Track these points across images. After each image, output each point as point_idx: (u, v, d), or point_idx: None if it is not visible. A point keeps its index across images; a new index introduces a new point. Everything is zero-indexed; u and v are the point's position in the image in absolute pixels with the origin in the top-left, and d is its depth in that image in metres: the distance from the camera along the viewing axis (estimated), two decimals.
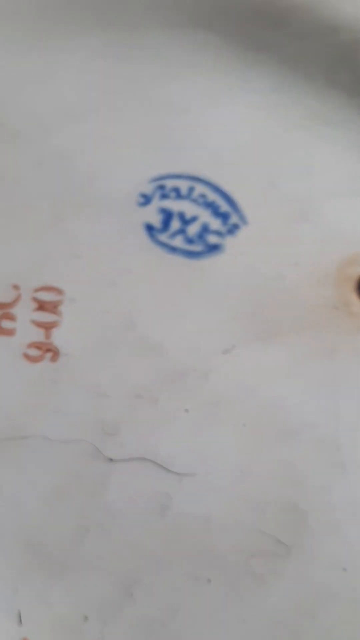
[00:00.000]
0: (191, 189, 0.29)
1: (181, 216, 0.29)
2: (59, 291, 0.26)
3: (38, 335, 0.26)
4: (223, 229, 0.29)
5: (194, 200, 0.29)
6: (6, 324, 0.26)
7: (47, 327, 0.26)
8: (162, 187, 0.29)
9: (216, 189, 0.30)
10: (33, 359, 0.25)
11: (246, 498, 0.25)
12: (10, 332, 0.26)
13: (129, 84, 0.30)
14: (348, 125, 0.31)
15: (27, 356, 0.25)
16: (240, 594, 0.24)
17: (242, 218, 0.29)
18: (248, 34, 0.31)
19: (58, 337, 0.26)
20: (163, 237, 0.28)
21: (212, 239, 0.29)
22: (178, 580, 0.24)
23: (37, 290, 0.26)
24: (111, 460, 0.25)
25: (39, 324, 0.26)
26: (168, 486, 0.25)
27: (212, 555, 0.24)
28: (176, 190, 0.29)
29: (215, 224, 0.29)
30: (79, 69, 0.30)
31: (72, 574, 0.23)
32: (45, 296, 0.26)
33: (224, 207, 0.29)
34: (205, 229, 0.29)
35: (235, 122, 0.31)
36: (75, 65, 0.30)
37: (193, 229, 0.29)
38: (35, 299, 0.26)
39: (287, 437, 0.26)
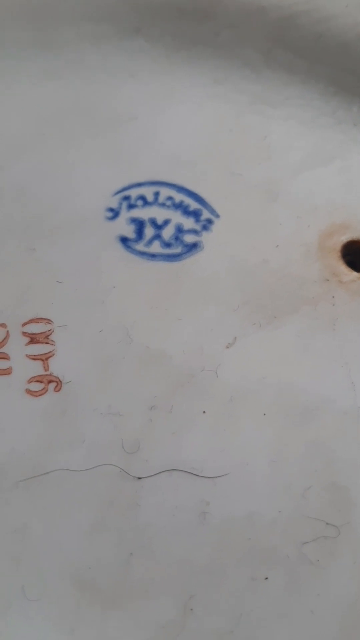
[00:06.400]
0: (157, 194, 0.29)
1: (153, 222, 0.28)
2: (47, 321, 0.26)
3: (36, 368, 0.25)
4: (197, 226, 0.29)
5: (162, 204, 0.29)
6: (1, 363, 0.25)
7: (44, 358, 0.25)
8: (127, 198, 0.29)
9: (181, 189, 0.29)
10: (37, 394, 0.24)
11: (284, 486, 0.24)
12: (7, 372, 0.25)
13: (73, 104, 0.30)
14: (295, 102, 0.32)
15: (30, 392, 0.24)
16: (300, 585, 0.23)
17: (213, 212, 0.29)
18: (178, 33, 0.31)
19: (57, 366, 0.25)
20: (140, 247, 0.28)
21: (189, 238, 0.28)
22: (235, 584, 0.23)
23: (24, 324, 0.26)
24: (139, 478, 0.24)
25: (34, 357, 0.25)
26: (203, 492, 0.24)
27: (263, 552, 0.23)
28: (142, 198, 0.29)
29: (188, 223, 0.29)
30: (21, 98, 0.30)
31: (125, 602, 0.22)
32: (35, 328, 0.25)
33: (193, 205, 0.29)
34: (179, 230, 0.28)
35: (185, 120, 0.31)
36: (16, 95, 0.30)
37: (168, 232, 0.28)
38: (25, 333, 0.25)
39: (309, 416, 0.26)
